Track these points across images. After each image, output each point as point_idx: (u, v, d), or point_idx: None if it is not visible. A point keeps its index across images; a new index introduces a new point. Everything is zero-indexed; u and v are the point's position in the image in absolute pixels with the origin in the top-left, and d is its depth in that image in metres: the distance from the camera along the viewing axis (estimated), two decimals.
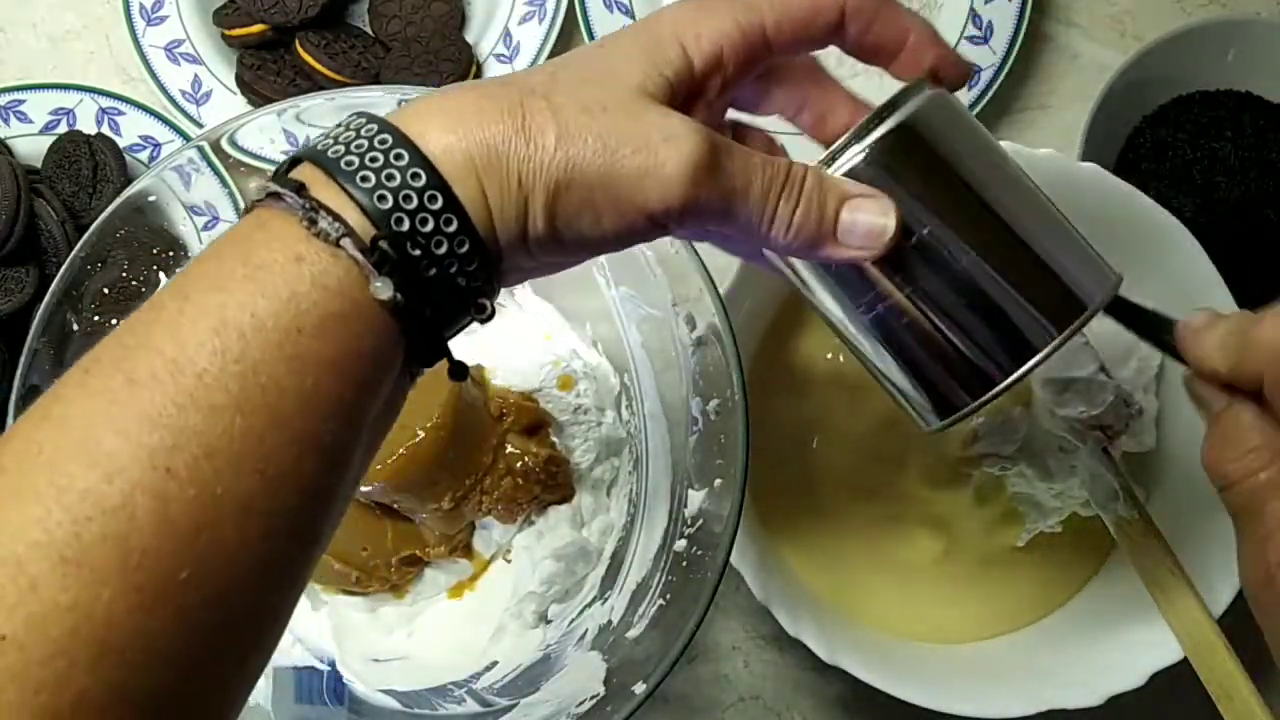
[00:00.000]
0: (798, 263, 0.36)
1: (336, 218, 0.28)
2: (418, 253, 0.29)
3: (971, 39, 0.66)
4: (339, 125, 0.30)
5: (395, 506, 0.57)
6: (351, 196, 0.28)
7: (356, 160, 0.29)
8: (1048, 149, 0.57)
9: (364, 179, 0.28)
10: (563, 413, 0.59)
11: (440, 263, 0.29)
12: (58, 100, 0.67)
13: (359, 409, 0.29)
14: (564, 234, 0.31)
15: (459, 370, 0.33)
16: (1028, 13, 0.66)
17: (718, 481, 0.51)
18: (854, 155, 0.34)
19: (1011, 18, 0.66)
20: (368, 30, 0.69)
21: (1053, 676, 0.55)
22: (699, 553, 0.51)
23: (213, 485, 0.26)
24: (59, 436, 0.26)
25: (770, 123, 0.39)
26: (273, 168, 0.32)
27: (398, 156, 0.29)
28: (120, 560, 0.24)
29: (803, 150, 0.38)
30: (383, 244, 0.28)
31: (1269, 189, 0.65)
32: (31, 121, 0.67)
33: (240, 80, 0.67)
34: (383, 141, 0.29)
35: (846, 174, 0.34)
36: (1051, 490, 0.58)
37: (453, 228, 0.29)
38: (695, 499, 0.53)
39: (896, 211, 0.33)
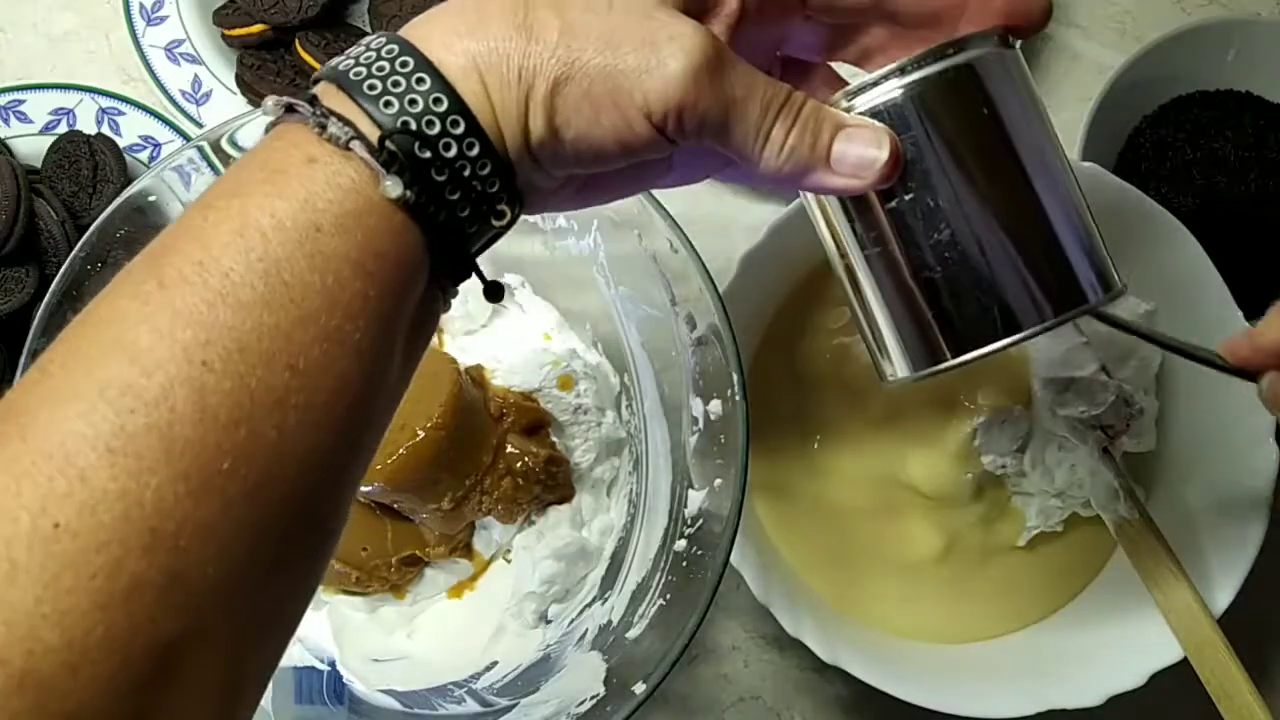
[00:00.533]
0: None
1: (346, 123, 0.29)
2: (428, 154, 0.30)
3: None
4: (361, 44, 0.31)
5: (395, 506, 0.57)
6: (360, 105, 0.29)
7: (365, 71, 0.30)
8: None
9: (371, 87, 0.30)
10: (563, 413, 0.59)
11: (451, 165, 0.30)
12: (58, 100, 0.67)
13: (385, 312, 0.29)
14: (564, 133, 0.31)
15: (493, 289, 0.34)
16: None
17: (718, 481, 0.51)
18: (890, 90, 0.33)
19: None
20: (368, 30, 0.69)
21: (1053, 676, 0.55)
22: (699, 553, 0.51)
23: (247, 379, 0.26)
24: (97, 337, 0.27)
25: None
26: None
27: (403, 64, 0.30)
28: (164, 450, 0.25)
29: None
30: (390, 144, 0.29)
31: (1269, 189, 0.65)
32: (31, 121, 0.67)
33: (240, 80, 0.67)
34: (390, 52, 0.30)
35: (875, 107, 0.33)
36: (1052, 490, 0.58)
37: (460, 130, 0.30)
38: (695, 499, 0.53)
39: (892, 143, 0.32)
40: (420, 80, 0.30)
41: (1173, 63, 0.64)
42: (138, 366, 0.26)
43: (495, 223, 0.32)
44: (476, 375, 0.59)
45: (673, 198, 0.53)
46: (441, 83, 0.30)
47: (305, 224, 0.28)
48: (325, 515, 0.30)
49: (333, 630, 0.58)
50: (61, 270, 0.51)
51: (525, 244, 0.59)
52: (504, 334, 0.61)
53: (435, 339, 0.61)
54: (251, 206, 0.28)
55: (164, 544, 0.25)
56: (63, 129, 0.66)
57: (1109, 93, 0.63)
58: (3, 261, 0.61)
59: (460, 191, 0.30)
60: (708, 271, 0.50)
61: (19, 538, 0.24)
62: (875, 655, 0.55)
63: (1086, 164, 0.57)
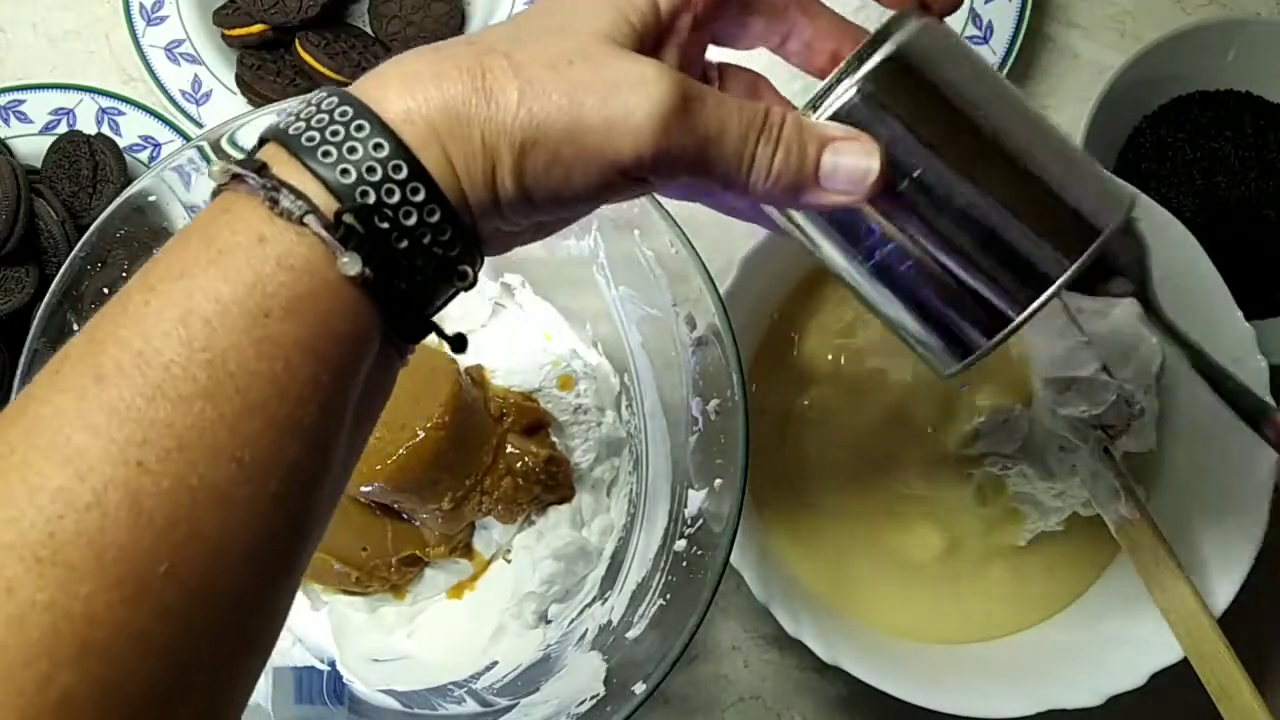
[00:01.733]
0: (797, 213, 0.35)
1: (299, 195, 0.27)
2: (386, 225, 0.28)
3: (971, 39, 0.66)
4: (304, 102, 0.30)
5: (395, 506, 0.57)
6: (314, 172, 0.28)
7: (318, 135, 0.28)
8: None
9: (325, 154, 0.28)
10: (563, 413, 0.59)
11: (411, 233, 0.28)
12: (58, 100, 0.67)
13: (338, 392, 0.28)
14: (535, 193, 0.30)
15: (457, 342, 0.33)
16: (1028, 13, 0.66)
17: (718, 481, 0.51)
18: (844, 91, 0.32)
19: (1011, 18, 0.66)
20: (368, 30, 0.69)
21: (1053, 676, 0.55)
22: (699, 553, 0.51)
23: (187, 477, 0.25)
24: (31, 436, 0.25)
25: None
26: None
27: (359, 128, 0.28)
28: (96, 557, 0.24)
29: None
30: (347, 218, 0.27)
31: (1269, 189, 0.65)
32: (31, 121, 0.67)
33: (240, 80, 0.67)
34: (343, 114, 0.28)
35: (837, 112, 0.32)
36: (1052, 490, 0.58)
37: (420, 197, 0.28)
38: (695, 499, 0.53)
39: (881, 152, 0.32)
40: (378, 146, 0.28)
41: (1173, 63, 0.64)
42: (71, 468, 0.25)
43: (458, 283, 0.31)
44: (476, 375, 0.59)
45: None
46: (400, 148, 0.28)
47: (253, 310, 0.26)
48: (270, 608, 0.28)
49: (333, 630, 0.58)
50: (61, 270, 0.51)
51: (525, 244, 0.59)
52: (504, 334, 0.61)
53: (436, 339, 0.61)
54: (196, 291, 0.26)
55: (95, 655, 0.24)
56: (63, 129, 0.66)
57: (1109, 93, 0.63)
58: (3, 261, 0.61)
59: (420, 259, 0.29)
60: (708, 271, 0.50)
61: None
62: (875, 655, 0.55)
63: None
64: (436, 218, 0.29)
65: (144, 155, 0.67)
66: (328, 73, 0.65)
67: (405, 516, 0.58)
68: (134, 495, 0.25)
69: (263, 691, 0.54)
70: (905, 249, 0.33)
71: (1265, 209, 0.65)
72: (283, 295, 0.27)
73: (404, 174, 0.28)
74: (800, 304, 0.60)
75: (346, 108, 0.29)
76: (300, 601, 0.58)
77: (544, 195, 0.30)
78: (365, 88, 0.30)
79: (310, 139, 0.28)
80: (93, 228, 0.51)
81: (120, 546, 0.24)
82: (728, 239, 0.58)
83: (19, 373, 0.51)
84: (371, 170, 0.28)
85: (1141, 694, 0.52)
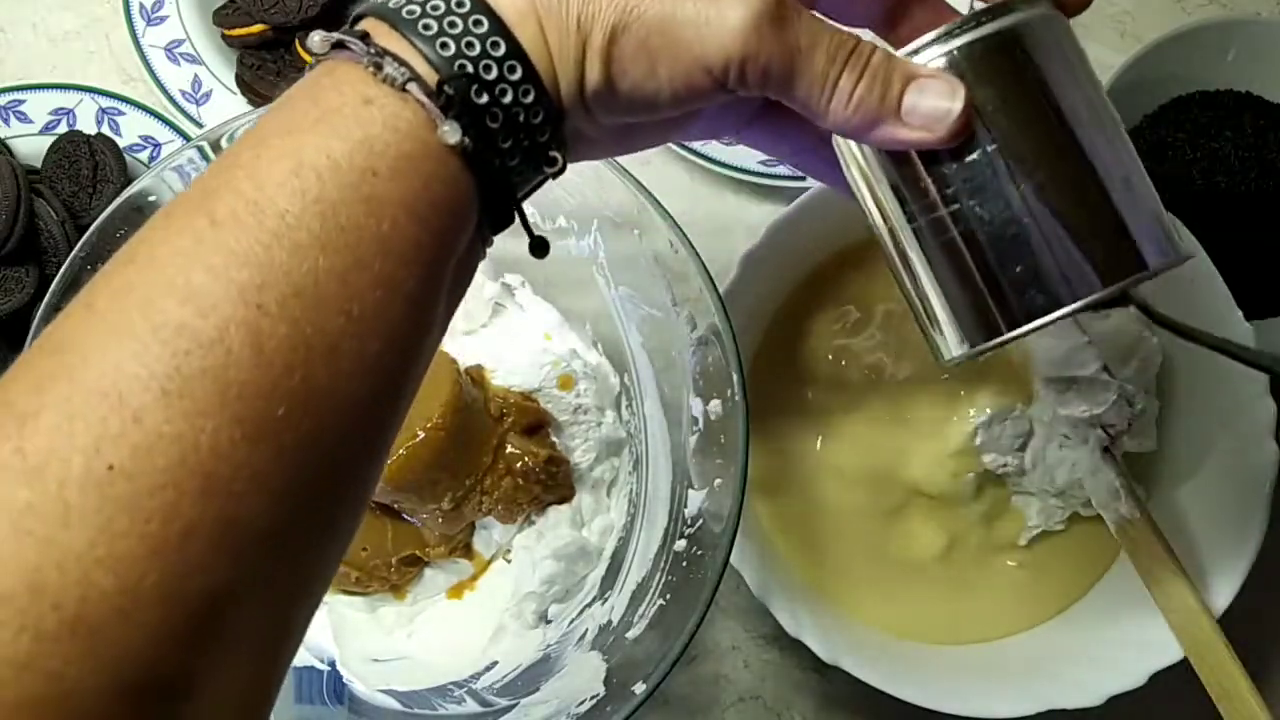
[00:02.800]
0: (860, 156, 0.34)
1: (402, 63, 0.28)
2: (484, 99, 0.29)
3: None
4: None
5: (395, 506, 0.57)
6: (414, 45, 0.29)
7: (419, 9, 0.29)
8: None
9: (426, 27, 0.29)
10: (563, 413, 0.59)
11: (507, 111, 0.29)
12: (58, 100, 0.67)
13: (436, 259, 0.29)
14: (619, 84, 0.30)
15: (539, 245, 0.33)
16: None
17: (718, 481, 0.51)
18: (937, 54, 0.32)
19: None
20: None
21: (1053, 676, 0.55)
22: (699, 553, 0.51)
23: (302, 324, 0.26)
24: (149, 274, 0.26)
25: None
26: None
27: (459, 4, 0.29)
28: (220, 394, 0.25)
29: None
30: (448, 88, 0.28)
31: (1269, 189, 0.65)
32: (31, 121, 0.67)
33: (240, 80, 0.67)
34: None
35: (941, 62, 0.32)
36: (1053, 489, 0.58)
37: (517, 75, 0.29)
38: (695, 499, 0.53)
39: (966, 96, 0.31)
40: (478, 22, 0.29)
41: (1173, 63, 0.64)
42: (192, 306, 0.25)
43: (547, 169, 0.31)
44: (476, 375, 0.59)
45: (673, 198, 0.52)
46: (499, 26, 0.29)
47: (362, 167, 0.27)
48: (366, 470, 0.29)
49: (333, 630, 0.58)
50: (61, 270, 0.51)
51: (525, 244, 0.59)
52: (504, 334, 0.61)
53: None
54: (307, 146, 0.27)
55: (218, 490, 0.24)
56: (63, 129, 0.66)
57: (1109, 93, 0.62)
58: (3, 261, 0.61)
59: (513, 139, 0.30)
60: (708, 271, 0.50)
61: (72, 480, 0.23)
62: (875, 655, 0.55)
63: None
64: (530, 98, 0.30)
65: (144, 155, 0.67)
66: None
67: (405, 516, 0.58)
68: (256, 336, 0.25)
69: None
70: (952, 220, 0.33)
71: (1265, 209, 0.65)
72: (389, 155, 0.27)
73: (501, 51, 0.29)
74: (801, 304, 0.60)
75: None
76: None
77: (628, 86, 0.31)
78: None
79: (411, 12, 0.29)
80: (93, 228, 0.51)
81: (242, 385, 0.25)
82: (728, 239, 0.58)
83: None
84: (470, 45, 0.29)
85: (1141, 694, 0.52)
